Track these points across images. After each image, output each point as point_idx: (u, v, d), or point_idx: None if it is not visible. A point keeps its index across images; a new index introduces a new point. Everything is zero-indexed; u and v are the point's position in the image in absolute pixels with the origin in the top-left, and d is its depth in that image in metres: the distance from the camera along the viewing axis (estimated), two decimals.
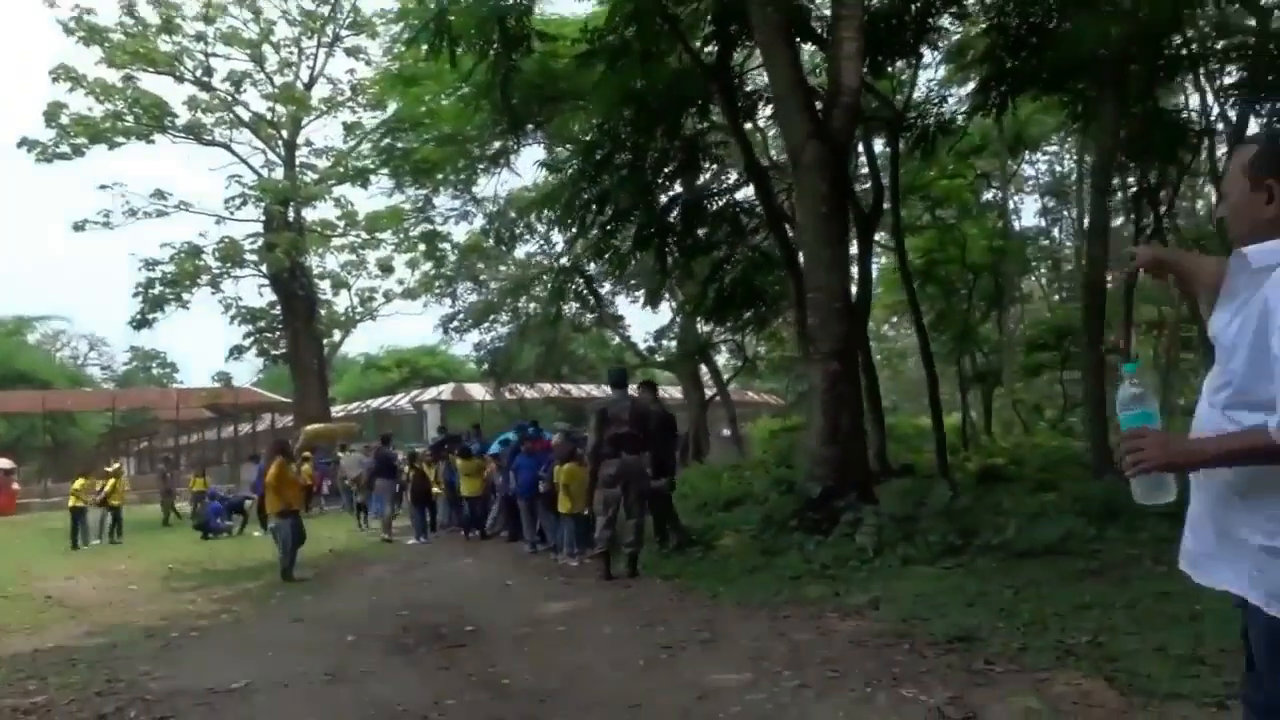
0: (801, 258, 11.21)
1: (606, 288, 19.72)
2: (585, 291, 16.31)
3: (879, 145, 17.14)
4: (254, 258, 28.85)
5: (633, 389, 10.98)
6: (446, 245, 28.15)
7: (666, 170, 13.43)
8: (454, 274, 29.91)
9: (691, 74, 12.46)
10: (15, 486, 30.33)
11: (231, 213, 28.84)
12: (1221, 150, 16.55)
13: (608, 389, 10.04)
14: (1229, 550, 1.97)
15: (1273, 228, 1.93)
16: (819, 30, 13.30)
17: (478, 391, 36.67)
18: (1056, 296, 36.28)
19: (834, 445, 9.47)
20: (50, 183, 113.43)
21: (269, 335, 30.86)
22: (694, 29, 12.95)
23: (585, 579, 9.03)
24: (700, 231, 13.92)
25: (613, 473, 8.91)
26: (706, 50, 12.85)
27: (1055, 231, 34.64)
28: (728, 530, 10.72)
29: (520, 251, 29.06)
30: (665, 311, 28.84)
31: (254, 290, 31.41)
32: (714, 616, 6.57)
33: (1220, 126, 14.32)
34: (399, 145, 19.87)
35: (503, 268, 31.51)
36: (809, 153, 9.44)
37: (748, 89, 13.46)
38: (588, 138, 13.97)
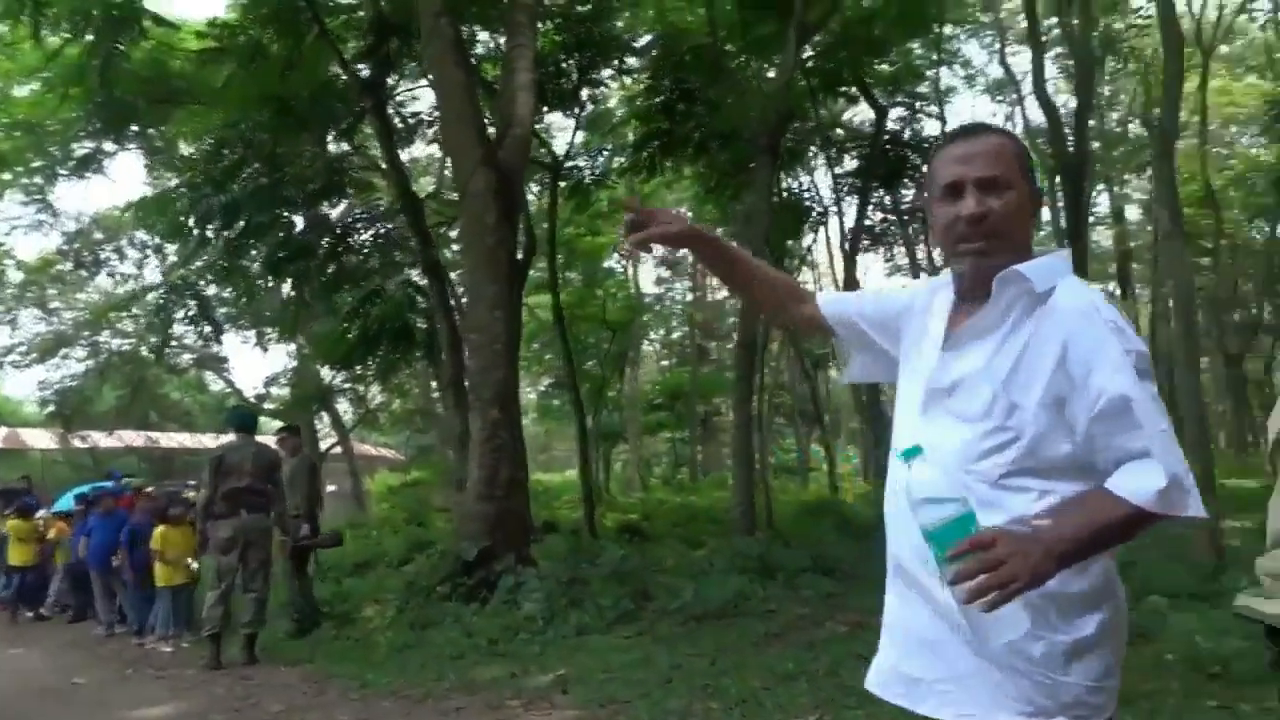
0: (462, 295, 10.35)
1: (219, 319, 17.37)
2: (199, 316, 13.97)
3: (531, 196, 16.93)
4: None
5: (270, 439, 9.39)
6: (10, 262, 23.64)
7: (308, 190, 11.87)
8: (16, 298, 25.51)
9: (342, 88, 11.22)
10: None
11: None
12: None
13: (204, 438, 8.44)
14: (999, 667, 1.45)
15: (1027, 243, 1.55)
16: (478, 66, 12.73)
17: (38, 438, 30.84)
18: (665, 362, 38.79)
19: (491, 501, 8.61)
20: None
21: None
22: (347, 41, 11.74)
23: (186, 670, 7.24)
24: (345, 259, 12.48)
25: (228, 535, 7.32)
26: (360, 68, 11.68)
27: (667, 300, 37.11)
28: (364, 600, 9.39)
29: (104, 279, 25.29)
30: (276, 356, 26.41)
31: None
32: (368, 714, 5.35)
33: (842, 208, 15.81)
34: None
35: (81, 295, 27.27)
36: (479, 180, 8.64)
37: (405, 112, 12.45)
38: (211, 140, 12.02)
